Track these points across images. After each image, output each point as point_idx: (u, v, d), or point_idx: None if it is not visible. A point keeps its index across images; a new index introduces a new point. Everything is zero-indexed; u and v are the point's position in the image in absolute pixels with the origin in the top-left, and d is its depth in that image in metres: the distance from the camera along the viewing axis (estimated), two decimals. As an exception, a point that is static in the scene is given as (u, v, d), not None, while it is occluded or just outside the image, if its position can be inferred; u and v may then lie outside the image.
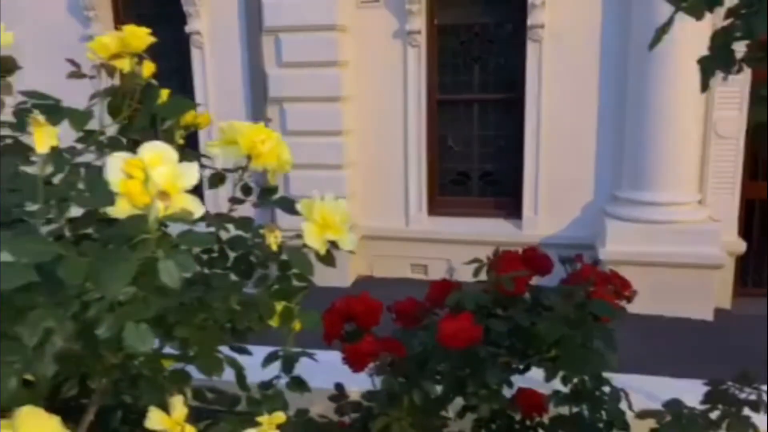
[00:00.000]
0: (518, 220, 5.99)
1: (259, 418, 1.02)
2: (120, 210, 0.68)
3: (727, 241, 5.34)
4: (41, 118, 0.78)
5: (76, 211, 0.88)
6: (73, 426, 0.82)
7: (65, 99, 1.02)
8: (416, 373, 1.40)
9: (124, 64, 1.06)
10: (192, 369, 1.04)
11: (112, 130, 1.09)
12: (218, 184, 1.14)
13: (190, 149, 1.13)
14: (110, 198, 0.69)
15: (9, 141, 1.08)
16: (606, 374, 1.52)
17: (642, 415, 1.44)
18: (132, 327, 0.70)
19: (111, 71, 1.06)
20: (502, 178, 6.16)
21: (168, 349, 1.01)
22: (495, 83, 6.02)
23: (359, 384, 1.61)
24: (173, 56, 6.17)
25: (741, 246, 5.54)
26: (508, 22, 5.88)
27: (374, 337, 1.45)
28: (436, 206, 6.27)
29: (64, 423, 0.77)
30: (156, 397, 0.98)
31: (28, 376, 0.76)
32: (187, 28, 6.14)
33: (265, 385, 1.26)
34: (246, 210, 1.14)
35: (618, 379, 1.57)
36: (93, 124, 1.06)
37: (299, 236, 1.04)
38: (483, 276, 1.58)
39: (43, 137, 0.76)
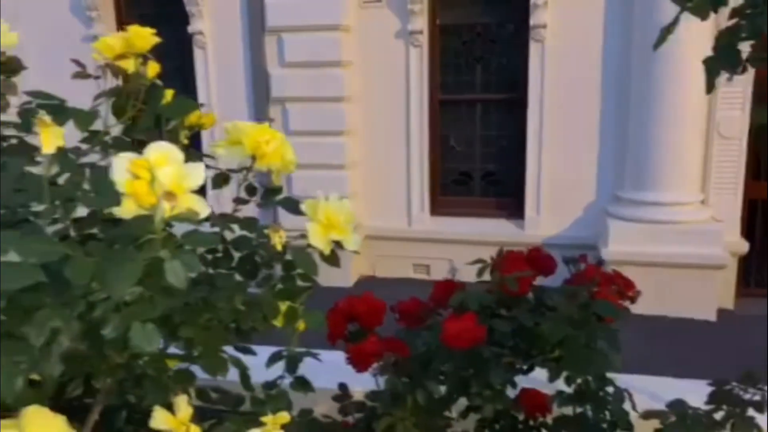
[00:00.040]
0: (520, 220, 5.99)
1: (264, 418, 1.02)
2: (126, 210, 0.69)
3: (729, 241, 5.33)
4: (48, 118, 0.78)
5: (80, 212, 0.88)
6: (77, 425, 0.82)
7: (66, 99, 1.02)
8: (420, 374, 1.40)
9: (129, 65, 1.06)
10: (196, 369, 1.05)
11: (115, 130, 1.09)
12: (223, 185, 1.14)
13: (193, 149, 1.13)
14: (116, 198, 0.69)
15: (14, 141, 1.09)
16: (609, 375, 1.52)
17: (646, 415, 1.43)
18: (138, 327, 0.70)
19: (116, 72, 1.06)
20: (505, 178, 6.16)
21: (172, 349, 1.01)
22: (497, 83, 6.02)
23: (363, 384, 1.61)
24: (176, 56, 6.18)
25: (743, 246, 5.53)
26: (510, 22, 5.88)
27: (378, 337, 1.45)
28: (439, 206, 6.27)
29: (69, 422, 0.77)
30: (160, 396, 0.98)
31: (34, 376, 0.77)
32: (190, 29, 6.15)
33: (269, 385, 1.26)
34: (247, 210, 1.14)
35: (621, 380, 1.57)
36: (97, 125, 1.06)
37: (303, 236, 1.04)
38: (486, 276, 1.58)
39: (50, 137, 0.76)
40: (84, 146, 1.04)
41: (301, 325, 1.14)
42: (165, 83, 1.12)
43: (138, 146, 0.93)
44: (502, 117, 6.07)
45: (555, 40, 5.56)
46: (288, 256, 1.07)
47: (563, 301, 1.46)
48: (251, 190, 1.17)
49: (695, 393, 1.55)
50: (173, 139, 1.07)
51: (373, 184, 6.18)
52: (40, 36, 5.94)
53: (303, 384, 1.25)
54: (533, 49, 5.64)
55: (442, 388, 1.45)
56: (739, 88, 5.18)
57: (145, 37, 1.05)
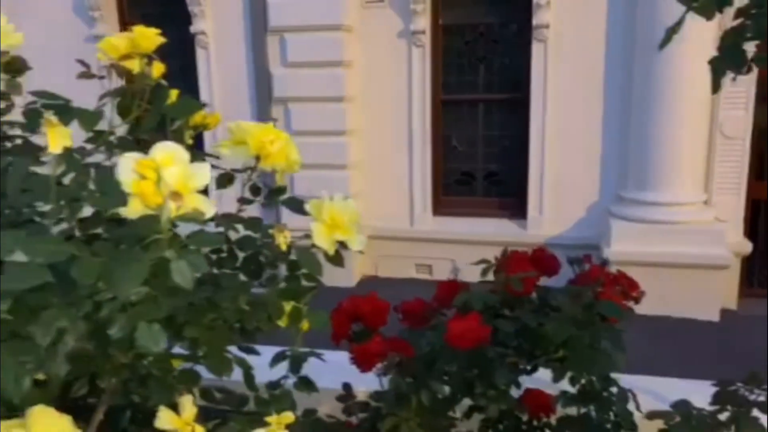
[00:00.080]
0: (523, 220, 5.99)
1: (268, 418, 1.02)
2: (132, 210, 0.69)
3: (732, 241, 5.32)
4: (55, 118, 0.78)
5: (84, 212, 0.88)
6: (82, 425, 0.82)
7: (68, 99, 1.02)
8: (424, 374, 1.40)
9: (134, 65, 1.06)
10: (200, 369, 1.05)
11: (119, 131, 1.09)
12: (227, 185, 1.14)
13: (197, 149, 1.13)
14: (123, 198, 0.69)
15: (18, 141, 1.09)
16: (613, 375, 1.52)
17: (651, 415, 1.43)
18: (144, 327, 0.70)
19: (121, 72, 1.06)
20: (507, 178, 6.16)
21: (177, 349, 1.01)
22: (500, 83, 6.02)
23: (366, 384, 1.61)
24: (178, 56, 6.18)
25: (747, 246, 5.53)
26: (512, 22, 5.88)
27: (382, 337, 1.45)
28: (441, 206, 6.27)
29: (74, 422, 0.78)
30: (165, 396, 0.98)
31: (39, 376, 0.77)
32: (192, 28, 6.15)
33: (273, 385, 1.26)
34: (249, 209, 1.14)
35: (625, 380, 1.57)
36: (101, 125, 1.06)
37: (307, 236, 1.04)
38: (490, 276, 1.58)
39: (57, 137, 0.76)
40: (89, 146, 1.04)
41: (305, 325, 1.14)
42: (167, 83, 1.13)
43: (142, 146, 0.93)
44: (505, 117, 6.07)
45: (558, 40, 5.56)
46: (292, 256, 1.07)
47: (567, 301, 1.45)
48: (255, 190, 1.17)
49: (699, 393, 1.55)
50: (178, 139, 1.07)
51: (376, 184, 6.18)
52: (42, 35, 5.94)
53: (307, 384, 1.25)
54: (536, 49, 5.63)
55: (446, 389, 1.44)
56: (743, 88, 5.17)
57: (150, 37, 1.05)
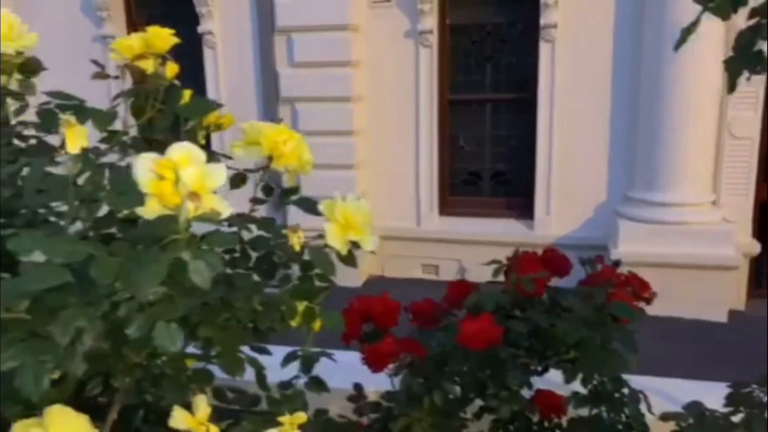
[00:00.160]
0: (530, 220, 5.98)
1: (281, 418, 1.02)
2: (150, 210, 0.69)
3: (741, 242, 5.29)
4: (72, 118, 0.79)
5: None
6: (95, 424, 0.82)
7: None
8: (436, 374, 1.40)
9: (148, 65, 1.06)
10: (212, 368, 1.05)
11: (130, 131, 1.10)
12: (240, 185, 1.14)
13: (211, 150, 1.13)
14: (140, 198, 0.69)
15: (33, 141, 1.09)
16: (624, 376, 1.52)
17: (665, 417, 1.43)
18: (162, 327, 0.71)
19: (135, 72, 1.07)
20: (514, 178, 6.15)
21: (190, 349, 1.01)
22: (507, 83, 6.01)
23: (376, 384, 1.61)
24: (185, 56, 6.17)
25: (755, 247, 5.50)
26: (520, 22, 5.87)
27: (394, 337, 1.45)
28: (448, 206, 6.26)
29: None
30: (179, 396, 0.98)
31: (54, 375, 0.77)
32: (200, 29, 6.17)
33: (285, 385, 1.26)
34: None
35: (636, 381, 1.56)
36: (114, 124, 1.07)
37: (321, 236, 1.04)
38: (500, 277, 1.58)
39: (75, 138, 0.77)
40: (103, 146, 1.04)
41: (316, 325, 1.14)
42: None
43: (154, 147, 0.93)
44: (512, 117, 6.06)
45: (565, 39, 5.54)
46: (305, 256, 1.07)
47: (579, 302, 1.45)
48: (268, 190, 1.17)
49: (710, 395, 1.54)
50: (191, 139, 1.07)
51: (382, 184, 6.18)
52: (50, 35, 5.96)
53: (318, 384, 1.25)
54: (543, 48, 5.62)
55: (457, 389, 1.44)
56: (752, 88, 5.14)
57: (164, 37, 1.05)
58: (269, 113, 6.09)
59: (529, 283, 1.44)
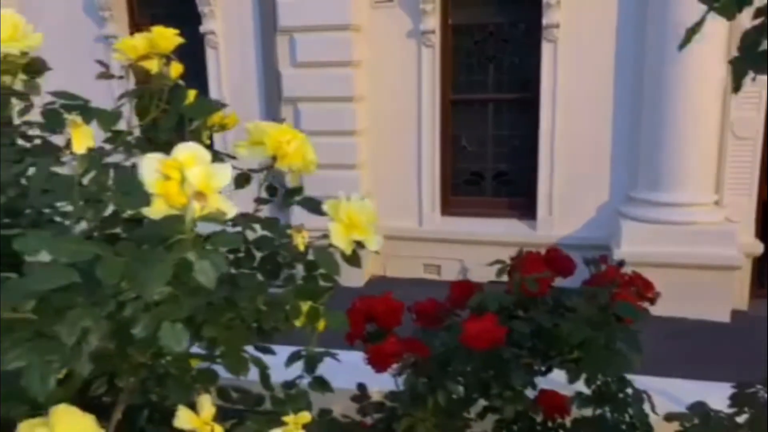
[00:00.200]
0: (532, 220, 5.97)
1: (285, 418, 1.02)
2: (156, 211, 0.69)
3: (743, 242, 5.29)
4: (79, 119, 0.79)
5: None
6: (101, 424, 0.82)
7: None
8: (440, 374, 1.40)
9: (153, 65, 1.06)
10: (217, 368, 1.05)
11: (135, 131, 1.10)
12: (244, 185, 1.14)
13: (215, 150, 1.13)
14: (146, 198, 0.69)
15: (37, 141, 1.09)
16: (628, 376, 1.52)
17: (669, 417, 1.42)
18: (168, 327, 0.71)
19: (139, 72, 1.07)
20: (516, 178, 6.14)
21: (194, 349, 1.01)
22: (509, 83, 6.00)
23: (380, 384, 1.61)
24: (187, 56, 6.19)
25: (758, 247, 5.49)
26: (522, 22, 5.87)
27: (397, 337, 1.45)
28: (450, 206, 6.26)
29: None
30: (183, 396, 0.98)
31: (59, 375, 0.77)
32: (202, 28, 6.17)
33: (288, 385, 1.26)
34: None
35: (639, 381, 1.56)
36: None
37: (325, 236, 1.04)
38: (503, 277, 1.58)
39: (81, 138, 0.77)
40: (107, 146, 1.04)
41: (320, 324, 1.14)
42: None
43: (157, 147, 0.93)
44: (514, 117, 6.05)
45: (568, 39, 5.54)
46: (310, 256, 1.07)
47: (583, 302, 1.45)
48: (272, 190, 1.17)
49: (714, 395, 1.54)
50: (196, 139, 1.07)
51: (384, 184, 6.18)
52: (53, 35, 5.97)
53: (322, 384, 1.25)
54: (546, 48, 5.62)
55: (461, 389, 1.44)
56: (755, 88, 5.13)
57: (168, 37, 1.05)
58: (271, 113, 6.09)
59: (532, 283, 1.44)
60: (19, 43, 1.02)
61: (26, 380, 0.66)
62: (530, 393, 1.52)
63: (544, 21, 5.53)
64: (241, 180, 1.15)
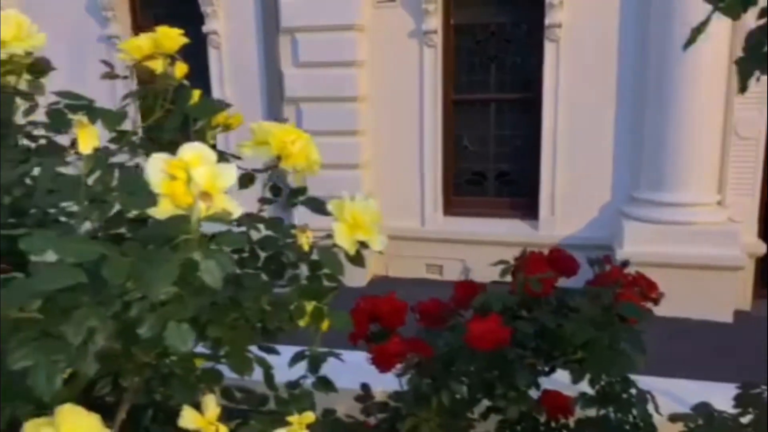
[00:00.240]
0: (534, 220, 5.97)
1: (290, 418, 1.02)
2: (162, 211, 0.69)
3: (746, 242, 5.28)
4: (85, 119, 0.79)
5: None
6: (105, 423, 0.83)
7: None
8: (443, 374, 1.40)
9: (157, 65, 1.06)
10: (221, 368, 1.05)
11: (140, 131, 1.10)
12: (248, 185, 1.14)
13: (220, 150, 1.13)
14: (152, 199, 0.69)
15: (42, 141, 1.10)
16: (632, 377, 1.51)
17: (674, 418, 1.42)
18: (173, 326, 0.71)
19: (143, 72, 1.07)
20: (519, 178, 6.14)
21: (199, 349, 1.01)
22: (511, 83, 6.00)
23: (384, 384, 1.61)
24: (190, 56, 6.17)
25: (761, 247, 5.48)
26: (524, 22, 5.86)
27: (401, 337, 1.45)
28: (452, 206, 6.26)
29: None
30: (188, 395, 0.98)
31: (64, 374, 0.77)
32: (204, 28, 6.17)
33: (292, 385, 1.26)
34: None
35: (643, 382, 1.56)
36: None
37: (329, 236, 1.04)
38: (507, 277, 1.57)
39: (87, 138, 0.77)
40: (112, 146, 1.04)
41: (324, 324, 1.14)
42: (180, 83, 1.13)
43: (161, 147, 0.93)
44: (517, 117, 6.05)
45: (570, 39, 5.53)
46: (314, 256, 1.07)
47: (586, 302, 1.45)
48: (276, 189, 1.17)
49: (718, 396, 1.54)
50: (200, 139, 1.08)
51: (387, 184, 6.18)
52: (55, 35, 5.98)
53: (325, 384, 1.25)
54: (548, 48, 5.61)
55: (465, 389, 1.44)
56: (758, 88, 5.10)
57: (173, 37, 1.06)
58: (274, 113, 6.09)
59: (536, 284, 1.44)
60: (24, 43, 1.02)
61: (32, 380, 0.66)
62: (534, 393, 1.51)
63: (547, 21, 5.52)
64: (245, 180, 1.15)
